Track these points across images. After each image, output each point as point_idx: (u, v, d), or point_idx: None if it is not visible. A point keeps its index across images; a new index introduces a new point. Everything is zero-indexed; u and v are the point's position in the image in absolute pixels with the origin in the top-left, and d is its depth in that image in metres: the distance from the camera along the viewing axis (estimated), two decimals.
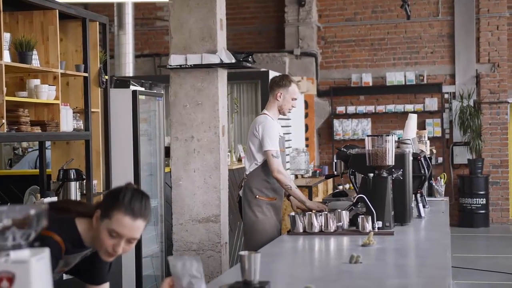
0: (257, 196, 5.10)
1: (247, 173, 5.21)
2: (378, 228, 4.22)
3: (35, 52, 4.86)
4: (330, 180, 11.16)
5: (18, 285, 1.69)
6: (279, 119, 5.34)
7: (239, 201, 5.33)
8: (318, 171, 10.57)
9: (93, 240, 2.66)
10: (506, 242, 11.20)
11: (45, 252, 1.76)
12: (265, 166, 5.08)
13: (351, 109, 12.74)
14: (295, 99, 5.23)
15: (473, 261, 9.29)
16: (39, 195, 5.38)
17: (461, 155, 12.44)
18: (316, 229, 4.21)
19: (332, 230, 4.20)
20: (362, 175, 4.48)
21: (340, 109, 12.78)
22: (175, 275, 2.46)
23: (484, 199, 12.11)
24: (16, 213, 1.75)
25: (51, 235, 2.57)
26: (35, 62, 4.87)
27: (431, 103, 12.48)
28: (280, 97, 5.17)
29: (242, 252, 2.72)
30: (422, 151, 5.54)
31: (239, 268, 2.71)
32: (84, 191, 5.53)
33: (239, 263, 2.74)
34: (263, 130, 5.05)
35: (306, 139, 12.17)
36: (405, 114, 12.44)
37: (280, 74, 5.50)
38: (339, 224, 4.25)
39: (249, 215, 5.13)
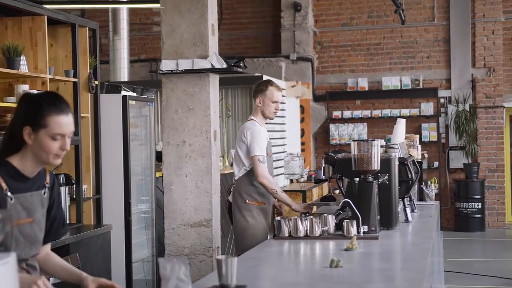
0: (247, 201, 5.15)
1: (236, 178, 5.27)
2: (364, 233, 4.23)
3: (23, 57, 4.89)
4: (325, 185, 11.17)
5: None
6: (267, 123, 5.38)
7: (228, 207, 5.36)
8: (313, 176, 10.59)
9: (34, 159, 2.67)
10: (502, 246, 11.20)
11: (11, 257, 1.78)
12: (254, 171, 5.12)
13: (347, 113, 12.75)
14: (276, 102, 5.27)
15: (468, 265, 9.29)
16: None
17: (457, 160, 12.44)
18: (302, 234, 4.22)
19: (317, 235, 4.21)
20: (348, 180, 4.49)
21: (336, 113, 12.79)
22: (163, 277, 2.51)
23: (480, 203, 12.11)
24: None
25: None
26: (23, 67, 4.89)
27: (427, 107, 12.49)
28: (260, 102, 5.27)
29: (219, 257, 2.75)
30: (411, 155, 5.55)
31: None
32: (74, 196, 5.55)
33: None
34: (251, 136, 5.12)
35: (302, 143, 12.18)
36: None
37: (261, 80, 5.56)
38: (324, 228, 4.25)
39: (240, 220, 5.17)
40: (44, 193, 2.78)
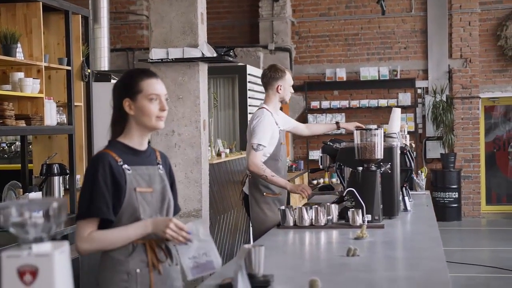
0: (265, 194, 5.06)
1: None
2: (368, 222, 4.24)
3: (19, 45, 4.79)
4: (305, 175, 11.20)
5: (41, 279, 1.67)
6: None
7: (244, 198, 5.23)
8: (294, 166, 10.61)
9: (139, 129, 2.81)
10: (478, 235, 11.36)
11: (66, 246, 1.74)
12: (269, 162, 5.03)
13: (325, 104, 12.78)
14: (292, 85, 5.33)
15: (446, 254, 9.31)
16: (21, 190, 5.29)
17: (434, 150, 12.57)
18: (307, 223, 4.21)
19: (322, 224, 4.20)
20: (351, 169, 4.49)
21: (315, 104, 12.82)
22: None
23: (457, 193, 12.25)
24: (37, 206, 1.72)
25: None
26: (19, 55, 4.79)
27: (405, 98, 12.59)
28: (280, 89, 5.21)
29: (246, 245, 2.71)
30: (406, 144, 5.58)
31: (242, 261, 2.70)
32: (67, 186, 5.46)
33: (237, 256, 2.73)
34: (256, 123, 5.03)
35: None
36: (378, 109, 12.55)
37: (269, 66, 5.43)
38: (329, 217, 4.25)
39: (258, 213, 5.05)
40: (160, 169, 2.89)
